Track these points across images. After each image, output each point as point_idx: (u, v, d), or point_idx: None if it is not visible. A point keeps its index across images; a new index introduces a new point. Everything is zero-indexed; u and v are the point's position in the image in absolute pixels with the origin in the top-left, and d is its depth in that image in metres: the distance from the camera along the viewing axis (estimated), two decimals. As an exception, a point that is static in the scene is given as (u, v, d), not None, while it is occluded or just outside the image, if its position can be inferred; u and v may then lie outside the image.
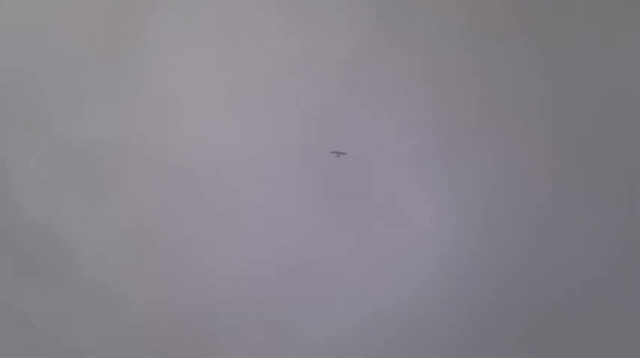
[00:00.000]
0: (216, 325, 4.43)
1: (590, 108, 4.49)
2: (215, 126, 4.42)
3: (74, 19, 4.01)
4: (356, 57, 3.97)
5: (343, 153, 4.05)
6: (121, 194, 4.38)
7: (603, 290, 4.40)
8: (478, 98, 4.18)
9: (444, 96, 4.04)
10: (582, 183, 4.49)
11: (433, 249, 4.47)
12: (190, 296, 4.54)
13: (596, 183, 4.45)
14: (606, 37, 4.48)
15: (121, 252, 4.46)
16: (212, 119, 4.41)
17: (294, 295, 4.50)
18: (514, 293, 4.49)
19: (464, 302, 4.47)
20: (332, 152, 4.05)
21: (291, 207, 4.38)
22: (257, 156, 4.37)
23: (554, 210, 4.40)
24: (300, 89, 3.93)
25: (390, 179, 4.35)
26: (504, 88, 4.27)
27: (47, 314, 4.37)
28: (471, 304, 4.48)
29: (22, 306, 4.32)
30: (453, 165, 4.19)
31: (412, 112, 4.00)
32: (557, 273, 4.47)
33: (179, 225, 4.47)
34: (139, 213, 4.37)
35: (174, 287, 4.59)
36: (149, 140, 4.33)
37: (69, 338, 4.34)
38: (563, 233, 4.35)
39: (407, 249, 4.42)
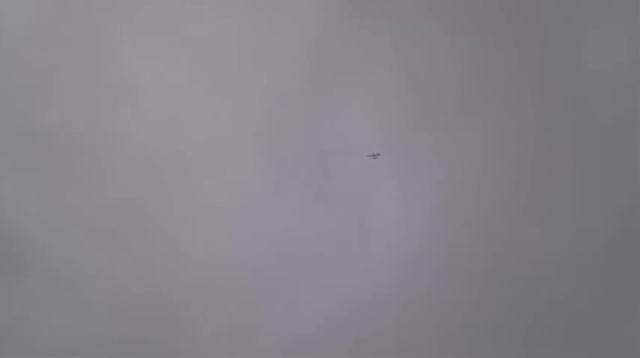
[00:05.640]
0: (189, 313, 4.37)
1: (578, 79, 4.33)
2: (181, 112, 4.28)
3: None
4: (323, 37, 3.79)
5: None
6: (84, 183, 4.23)
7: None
8: (453, 76, 4.01)
9: (418, 75, 3.87)
10: (571, 165, 4.35)
11: (409, 239, 4.35)
12: (160, 285, 4.44)
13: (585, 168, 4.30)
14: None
15: (82, 242, 4.33)
16: (177, 106, 4.27)
17: (268, 287, 4.41)
18: (499, 279, 4.36)
19: (445, 293, 4.34)
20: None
21: (263, 194, 4.25)
22: (223, 143, 4.24)
23: (538, 191, 4.25)
24: (265, 72, 3.78)
25: (361, 166, 4.21)
26: (483, 66, 4.11)
27: (4, 310, 4.24)
28: (454, 294, 4.34)
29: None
30: (428, 149, 4.04)
31: (381, 94, 3.83)
32: (546, 257, 4.34)
33: (145, 211, 4.33)
34: (102, 202, 4.23)
35: (141, 275, 4.47)
36: (113, 127, 4.18)
37: (30, 334, 4.24)
38: (548, 215, 4.20)
39: (381, 239, 4.28)
